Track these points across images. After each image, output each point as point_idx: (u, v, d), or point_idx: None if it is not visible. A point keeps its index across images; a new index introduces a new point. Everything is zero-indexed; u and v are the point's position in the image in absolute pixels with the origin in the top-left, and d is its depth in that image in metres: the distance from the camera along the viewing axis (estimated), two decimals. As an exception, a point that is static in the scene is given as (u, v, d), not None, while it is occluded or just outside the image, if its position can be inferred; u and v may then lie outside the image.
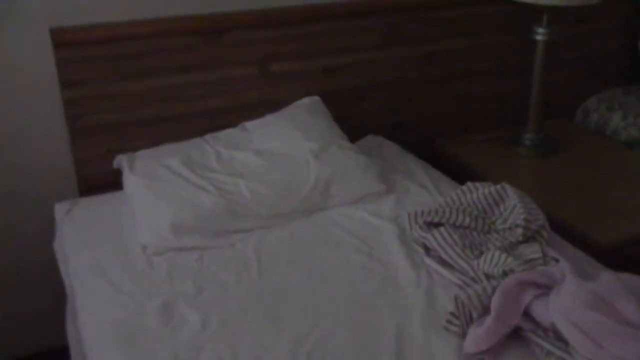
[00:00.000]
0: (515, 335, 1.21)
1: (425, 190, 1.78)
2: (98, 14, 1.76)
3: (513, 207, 1.49)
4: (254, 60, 1.95)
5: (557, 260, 1.32)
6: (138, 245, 1.55)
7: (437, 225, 1.52)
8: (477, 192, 1.57)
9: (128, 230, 1.61)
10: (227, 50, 1.90)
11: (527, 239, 1.42)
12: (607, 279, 1.14)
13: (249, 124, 1.91)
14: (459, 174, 1.97)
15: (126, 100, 1.84)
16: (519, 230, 1.41)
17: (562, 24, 2.03)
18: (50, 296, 1.83)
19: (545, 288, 1.21)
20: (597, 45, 2.47)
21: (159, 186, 1.63)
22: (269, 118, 1.91)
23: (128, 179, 1.71)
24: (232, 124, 1.92)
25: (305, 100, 1.98)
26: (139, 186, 1.66)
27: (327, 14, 1.99)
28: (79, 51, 1.75)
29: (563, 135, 2.24)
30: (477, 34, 2.22)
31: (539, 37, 2.00)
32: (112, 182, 1.80)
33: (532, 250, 1.35)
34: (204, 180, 1.66)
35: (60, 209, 1.73)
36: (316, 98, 1.99)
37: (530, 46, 2.07)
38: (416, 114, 2.24)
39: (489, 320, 1.18)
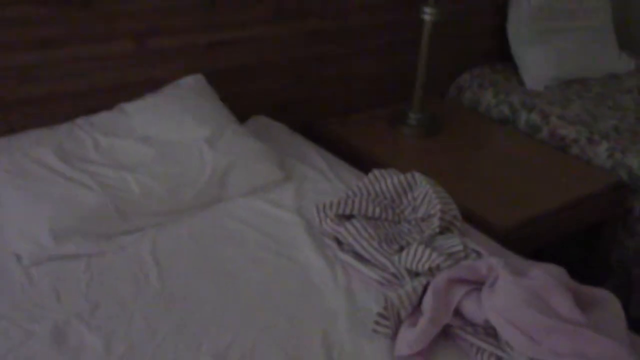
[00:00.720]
0: (444, 333, 1.19)
1: (323, 176, 1.70)
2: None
3: (424, 195, 1.46)
4: (129, 34, 1.73)
5: (477, 253, 1.31)
6: (8, 255, 1.32)
7: (348, 217, 1.45)
8: (385, 180, 1.52)
9: (-6, 236, 1.37)
10: (96, 23, 1.67)
11: (442, 230, 1.40)
12: (539, 274, 1.14)
13: (127, 106, 1.70)
14: (344, 154, 1.92)
15: (-25, 81, 1.56)
16: (436, 221, 1.38)
17: (444, 3, 2.03)
18: None
19: (473, 284, 1.19)
20: (466, 25, 2.52)
21: (30, 183, 1.40)
22: (150, 99, 1.72)
23: (-14, 173, 1.45)
24: (107, 106, 1.70)
25: (189, 79, 1.80)
26: (4, 183, 1.41)
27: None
28: None
29: (441, 113, 2.27)
30: (362, 11, 2.16)
31: (427, 17, 1.98)
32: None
33: (452, 243, 1.33)
34: (83, 175, 1.45)
35: None
36: (199, 76, 1.82)
37: (414, 24, 2.05)
38: (300, 93, 2.15)
39: (422, 321, 1.14)
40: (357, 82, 2.27)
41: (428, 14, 1.97)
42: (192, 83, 1.79)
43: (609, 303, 1.20)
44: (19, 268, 1.29)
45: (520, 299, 1.08)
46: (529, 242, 1.74)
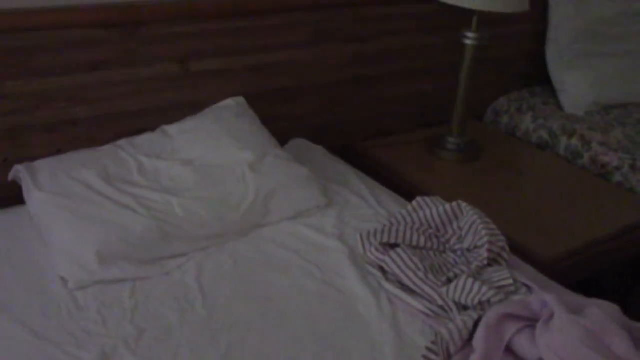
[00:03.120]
0: (495, 370, 1.16)
1: (364, 202, 1.69)
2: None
3: (470, 225, 1.43)
4: (172, 57, 1.74)
5: (527, 287, 1.29)
6: (55, 278, 1.32)
7: (392, 246, 1.43)
8: (431, 209, 1.50)
9: (39, 258, 1.37)
10: (141, 46, 1.68)
11: (490, 261, 1.37)
12: (596, 312, 1.11)
13: (169, 128, 1.71)
14: (381, 177, 1.91)
15: (24, 102, 1.57)
16: (484, 253, 1.36)
17: (484, 27, 2.02)
18: None
19: (526, 320, 1.17)
20: (505, 48, 2.50)
21: (75, 206, 1.40)
22: (191, 121, 1.73)
23: (32, 195, 1.46)
24: (149, 128, 1.71)
25: (230, 101, 1.81)
26: (49, 205, 1.42)
27: (253, 8, 1.82)
28: (-33, 44, 1.46)
29: (480, 138, 2.24)
30: (402, 33, 2.15)
31: (468, 42, 1.97)
32: (8, 197, 1.54)
33: (501, 276, 1.30)
34: (129, 198, 1.45)
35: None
36: (241, 99, 1.83)
37: (452, 47, 2.04)
38: (338, 116, 2.14)
39: (474, 358, 1.11)
40: (395, 104, 2.26)
41: (470, 39, 1.96)
42: (234, 105, 1.80)
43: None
44: (64, 292, 1.29)
45: (577, 338, 1.06)
46: (574, 274, 1.70)
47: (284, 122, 2.01)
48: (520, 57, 2.59)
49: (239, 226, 1.51)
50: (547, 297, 1.15)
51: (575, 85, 2.44)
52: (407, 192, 1.82)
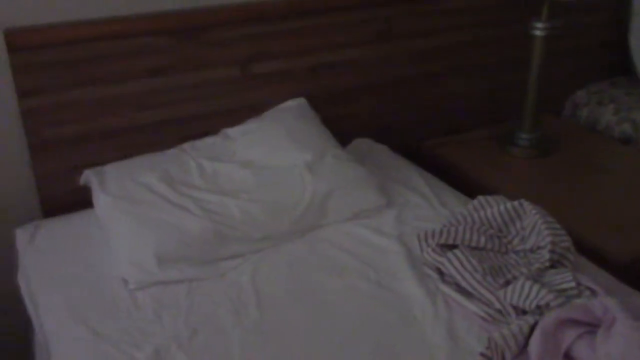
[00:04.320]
0: (554, 378, 1.10)
1: (426, 201, 1.65)
2: (57, 13, 1.54)
3: (533, 225, 1.37)
4: (234, 61, 1.76)
5: (592, 290, 1.21)
6: (116, 279, 1.37)
7: (451, 247, 1.39)
8: (492, 208, 1.44)
9: (103, 259, 1.43)
10: (203, 51, 1.71)
11: (553, 263, 1.30)
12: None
13: (231, 131, 1.73)
14: (450, 177, 1.86)
15: (91, 109, 1.63)
16: (546, 254, 1.29)
17: (554, 17, 1.92)
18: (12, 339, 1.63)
19: (587, 326, 1.10)
20: (584, 38, 2.37)
21: (137, 209, 1.45)
22: (252, 124, 1.74)
23: (99, 198, 1.51)
24: (212, 131, 1.75)
25: (291, 102, 1.82)
26: (114, 209, 1.47)
27: (313, 7, 1.81)
28: (38, 55, 1.53)
29: (555, 132, 2.14)
30: (466, 27, 2.09)
31: (538, 33, 1.88)
32: (80, 201, 1.61)
33: (563, 278, 1.23)
34: (187, 200, 1.48)
35: (22, 236, 1.53)
36: (302, 100, 1.83)
37: (518, 40, 1.95)
38: (404, 114, 2.10)
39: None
40: (463, 101, 2.20)
41: (539, 29, 1.87)
42: (294, 107, 1.80)
43: None
44: (125, 292, 1.33)
45: (636, 343, 0.98)
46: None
47: (348, 121, 1.99)
48: (601, 47, 2.45)
49: (296, 227, 1.51)
50: (609, 301, 1.08)
51: (662, 74, 2.29)
52: (475, 191, 1.75)
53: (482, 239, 1.39)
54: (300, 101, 1.82)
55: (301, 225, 1.52)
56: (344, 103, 1.98)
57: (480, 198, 1.49)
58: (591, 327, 1.10)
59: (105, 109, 1.65)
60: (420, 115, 2.14)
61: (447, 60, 2.11)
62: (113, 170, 1.59)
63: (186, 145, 1.69)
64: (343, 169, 1.62)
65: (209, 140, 1.71)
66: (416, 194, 1.67)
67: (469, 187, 1.80)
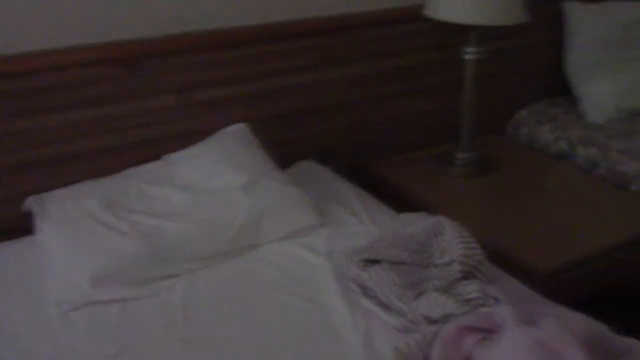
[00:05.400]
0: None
1: (359, 220, 1.72)
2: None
3: (450, 241, 1.44)
4: (176, 89, 1.83)
5: (497, 300, 1.28)
6: (52, 301, 1.42)
7: (376, 262, 1.45)
8: (415, 226, 1.52)
9: (40, 283, 1.47)
10: (146, 80, 1.79)
11: (466, 275, 1.37)
12: (550, 324, 1.10)
13: (173, 156, 1.80)
14: (393, 196, 1.93)
15: (36, 138, 1.69)
16: (456, 267, 1.37)
17: (489, 41, 2.02)
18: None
19: (487, 332, 1.17)
20: (523, 61, 2.47)
21: (74, 233, 1.51)
22: (194, 149, 1.81)
23: (40, 224, 1.58)
24: (155, 157, 1.81)
25: (231, 128, 1.88)
26: (52, 233, 1.53)
27: (252, 37, 1.90)
28: (-20, 86, 1.60)
29: (494, 152, 2.23)
30: (404, 52, 2.18)
31: (467, 56, 1.98)
32: (25, 227, 1.66)
33: (470, 290, 1.30)
34: (124, 223, 1.54)
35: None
36: (242, 125, 1.90)
37: (457, 63, 2.05)
38: (348, 136, 2.18)
39: (430, 370, 1.12)
40: (405, 123, 2.28)
41: (469, 54, 1.96)
42: (235, 132, 1.87)
43: (636, 356, 1.13)
44: (58, 313, 1.38)
45: (525, 349, 1.05)
46: (579, 287, 1.66)
47: (293, 144, 2.07)
48: (541, 68, 2.55)
49: (231, 247, 1.58)
50: (504, 308, 1.15)
51: (596, 93, 2.40)
52: (415, 209, 1.83)
53: (405, 254, 1.45)
54: (241, 126, 1.89)
55: (236, 245, 1.58)
56: (289, 127, 2.06)
57: (404, 215, 1.56)
58: (490, 333, 1.17)
59: (50, 138, 1.71)
60: (366, 137, 2.22)
61: (390, 84, 2.20)
62: (55, 197, 1.64)
63: (129, 171, 1.76)
64: (278, 190, 1.69)
65: (150, 166, 1.77)
66: (350, 213, 1.74)
67: (409, 206, 1.87)
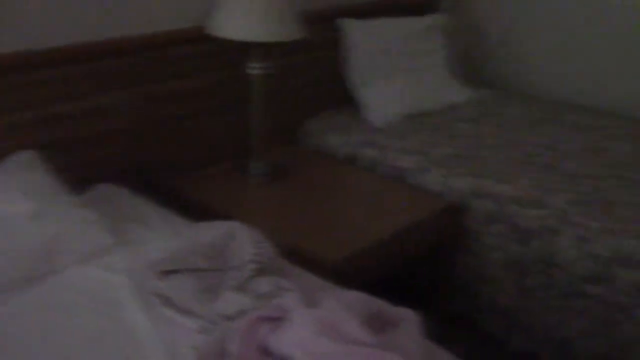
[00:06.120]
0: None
1: (158, 235, 1.75)
2: None
3: (243, 243, 1.53)
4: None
5: (290, 291, 1.39)
6: None
7: (175, 272, 1.50)
8: (210, 232, 1.58)
9: None
10: None
11: (260, 272, 1.47)
12: (331, 303, 1.22)
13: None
14: (197, 210, 1.98)
15: None
16: (250, 266, 1.46)
17: (282, 56, 2.16)
18: None
19: (279, 321, 1.26)
20: (311, 73, 2.66)
21: None
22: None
23: None
24: None
25: (19, 155, 1.82)
26: None
27: (37, 63, 1.86)
28: None
29: (289, 160, 2.37)
30: (198, 71, 2.25)
31: (253, 72, 2.09)
32: None
33: (263, 285, 1.40)
34: None
35: None
36: (30, 152, 1.84)
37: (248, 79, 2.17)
38: (144, 156, 2.19)
39: (228, 363, 1.19)
40: (206, 139, 2.34)
41: (253, 69, 2.09)
42: (23, 159, 1.81)
43: (409, 322, 1.29)
44: None
45: (312, 329, 1.16)
46: (366, 272, 1.83)
47: (91, 167, 2.04)
48: (328, 80, 2.75)
49: (25, 275, 1.53)
50: (290, 296, 1.25)
51: (375, 100, 2.65)
52: (213, 220, 1.90)
53: (202, 261, 1.51)
54: (28, 153, 1.83)
55: (30, 273, 1.54)
56: (82, 150, 2.03)
57: (201, 224, 1.62)
58: (283, 321, 1.26)
59: None
60: (169, 155, 2.25)
61: (188, 102, 2.26)
62: None
63: None
64: (70, 215, 1.67)
65: None
66: (149, 229, 1.77)
67: (212, 218, 1.93)
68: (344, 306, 1.22)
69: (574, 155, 2.35)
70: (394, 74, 2.74)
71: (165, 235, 1.74)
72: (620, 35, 2.82)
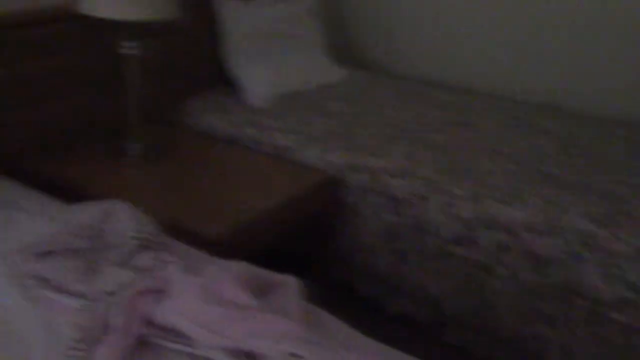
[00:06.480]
0: (146, 345, 1.25)
1: (30, 217, 1.69)
2: None
3: (124, 221, 1.52)
4: None
5: (171, 263, 1.40)
6: None
7: (53, 253, 1.46)
8: (88, 212, 1.56)
9: None
10: None
11: (142, 249, 1.47)
12: (212, 270, 1.25)
13: None
14: (72, 193, 1.93)
15: None
16: (132, 242, 1.45)
17: (157, 36, 2.13)
18: None
19: (163, 292, 1.28)
20: (189, 54, 2.65)
21: None
22: None
23: None
24: None
25: None
26: None
27: None
28: None
29: (168, 140, 2.36)
30: (68, 50, 2.18)
31: (125, 51, 2.06)
32: None
33: (145, 259, 1.40)
34: None
35: None
36: None
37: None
38: (12, 138, 2.10)
39: (112, 337, 1.19)
40: (78, 121, 2.28)
41: (126, 48, 2.05)
42: None
43: (289, 286, 1.35)
44: None
45: (194, 296, 1.19)
46: (248, 245, 1.87)
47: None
48: (205, 60, 2.75)
49: None
50: (173, 267, 1.27)
51: (254, 81, 2.68)
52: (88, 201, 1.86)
53: (81, 240, 1.49)
54: None
55: None
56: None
57: (76, 205, 1.59)
58: (167, 292, 1.28)
59: None
60: (39, 137, 2.16)
61: (57, 82, 2.17)
62: None
63: None
64: None
65: None
66: (19, 211, 1.70)
67: (82, 199, 1.89)
68: (225, 273, 1.25)
69: (441, 129, 2.51)
70: (269, 56, 2.79)
71: (40, 218, 1.69)
72: (486, 18, 3.03)
